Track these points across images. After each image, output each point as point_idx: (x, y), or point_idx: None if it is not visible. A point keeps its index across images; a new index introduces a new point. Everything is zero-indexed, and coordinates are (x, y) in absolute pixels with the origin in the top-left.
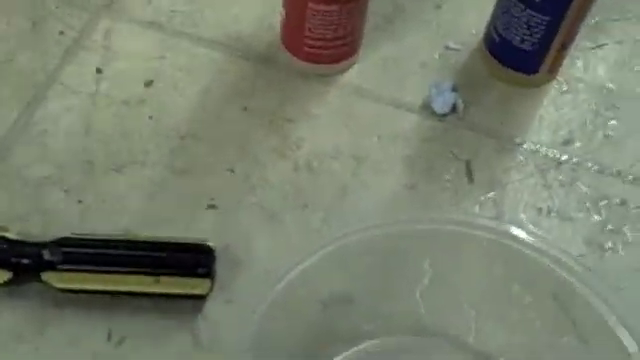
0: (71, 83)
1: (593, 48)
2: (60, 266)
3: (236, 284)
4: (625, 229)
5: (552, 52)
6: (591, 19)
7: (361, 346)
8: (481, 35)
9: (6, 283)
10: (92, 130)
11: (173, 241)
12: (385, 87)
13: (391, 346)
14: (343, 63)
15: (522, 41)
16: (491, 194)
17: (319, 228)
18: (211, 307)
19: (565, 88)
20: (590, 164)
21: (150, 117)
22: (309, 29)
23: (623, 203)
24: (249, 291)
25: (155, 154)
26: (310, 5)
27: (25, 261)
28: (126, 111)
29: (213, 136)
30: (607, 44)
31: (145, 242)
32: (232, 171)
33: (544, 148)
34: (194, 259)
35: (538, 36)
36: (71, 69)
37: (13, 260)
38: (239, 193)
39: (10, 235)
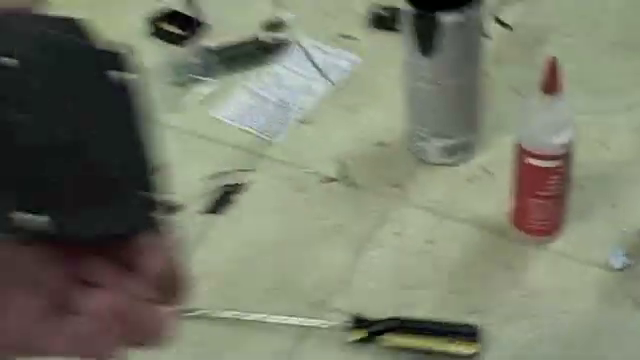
0: (382, 240)
1: None
2: (395, 332)
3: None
4: None
5: None
6: None
7: None
8: None
9: (360, 340)
10: (399, 267)
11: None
12: (582, 251)
13: None
14: (553, 235)
15: None
16: None
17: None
18: None
19: None
20: None
21: (433, 264)
22: (531, 215)
23: None
24: None
25: (437, 279)
26: (530, 201)
27: (377, 328)
28: (415, 259)
29: (466, 286)
30: None
31: (437, 320)
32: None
33: None
34: (471, 330)
35: None
36: (381, 233)
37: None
38: (498, 309)
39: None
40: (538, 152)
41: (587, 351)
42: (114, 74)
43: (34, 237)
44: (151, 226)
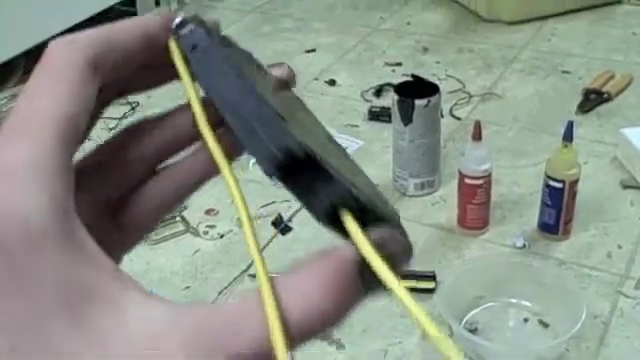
0: None
1: None
2: None
3: None
4: None
5: None
6: None
7: None
8: None
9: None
10: None
11: (423, 271)
12: (499, 239)
13: None
14: (482, 230)
15: None
16: None
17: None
18: None
19: None
20: None
21: None
22: (468, 217)
23: None
24: None
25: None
26: (467, 207)
27: None
28: None
29: (429, 259)
30: None
31: (410, 270)
32: None
33: None
34: (431, 274)
35: None
36: None
37: None
38: (446, 269)
39: None
40: (471, 174)
41: (502, 280)
42: None
43: None
44: None
